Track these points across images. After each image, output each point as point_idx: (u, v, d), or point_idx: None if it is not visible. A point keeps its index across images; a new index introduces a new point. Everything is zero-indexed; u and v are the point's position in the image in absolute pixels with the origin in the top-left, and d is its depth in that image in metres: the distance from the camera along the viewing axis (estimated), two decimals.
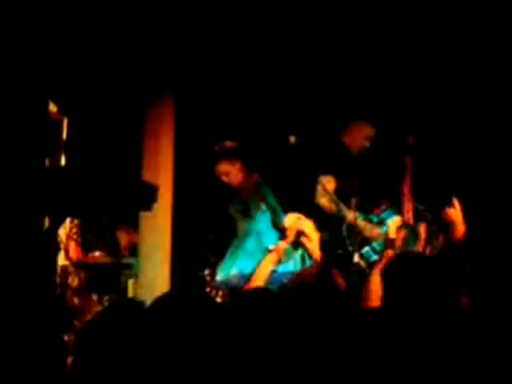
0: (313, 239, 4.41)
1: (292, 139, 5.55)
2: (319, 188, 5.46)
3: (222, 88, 5.87)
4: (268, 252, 4.44)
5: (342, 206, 5.40)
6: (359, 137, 5.69)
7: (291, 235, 4.43)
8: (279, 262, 4.47)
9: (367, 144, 5.69)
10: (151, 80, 5.63)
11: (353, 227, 5.35)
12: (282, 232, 4.54)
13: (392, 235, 4.43)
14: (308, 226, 4.52)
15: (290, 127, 5.74)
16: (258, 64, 5.89)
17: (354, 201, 5.37)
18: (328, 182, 5.51)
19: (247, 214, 5.42)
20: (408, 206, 5.26)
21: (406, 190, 5.24)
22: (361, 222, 5.41)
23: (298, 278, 3.35)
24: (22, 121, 4.34)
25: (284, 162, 5.69)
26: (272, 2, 5.44)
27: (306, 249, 4.53)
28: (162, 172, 5.55)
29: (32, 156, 4.14)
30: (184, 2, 5.38)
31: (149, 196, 4.56)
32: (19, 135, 4.23)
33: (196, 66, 5.75)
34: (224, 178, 5.46)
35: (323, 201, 5.46)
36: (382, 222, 5.46)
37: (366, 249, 5.35)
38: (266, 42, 5.74)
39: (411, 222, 5.18)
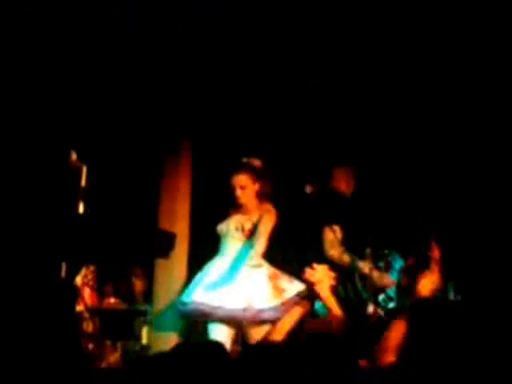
0: (324, 288, 4.33)
1: (309, 188, 5.58)
2: (326, 239, 5.43)
3: (238, 136, 5.93)
4: (294, 305, 4.35)
5: (354, 257, 5.37)
6: (346, 180, 5.72)
7: (321, 291, 4.18)
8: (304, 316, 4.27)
9: (352, 187, 5.73)
10: (169, 130, 5.71)
11: (365, 277, 5.32)
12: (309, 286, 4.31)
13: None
14: (317, 276, 4.44)
15: (306, 175, 5.79)
16: (273, 107, 5.97)
17: (368, 250, 5.35)
18: (334, 232, 5.47)
19: (250, 237, 5.14)
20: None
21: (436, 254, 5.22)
22: (373, 272, 5.38)
23: (315, 328, 3.32)
24: (42, 167, 4.40)
25: (297, 208, 5.71)
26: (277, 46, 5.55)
27: (318, 297, 4.43)
28: (178, 219, 5.59)
29: (52, 203, 4.19)
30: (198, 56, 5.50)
31: (165, 243, 4.60)
32: (39, 182, 4.29)
33: (211, 116, 5.83)
34: (238, 191, 5.19)
35: (333, 252, 5.39)
36: (387, 267, 5.45)
37: (382, 296, 5.32)
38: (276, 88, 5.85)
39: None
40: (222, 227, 5.26)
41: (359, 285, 5.32)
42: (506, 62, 5.44)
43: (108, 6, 5.05)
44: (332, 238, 5.41)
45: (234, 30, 5.36)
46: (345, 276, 5.25)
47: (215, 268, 5.13)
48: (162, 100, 5.62)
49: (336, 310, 4.18)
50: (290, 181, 5.85)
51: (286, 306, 4.70)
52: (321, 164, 5.85)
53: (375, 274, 5.36)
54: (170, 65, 5.56)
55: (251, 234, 5.11)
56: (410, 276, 4.51)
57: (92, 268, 5.89)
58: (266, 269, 5.03)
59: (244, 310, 4.84)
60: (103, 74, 5.34)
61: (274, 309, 4.77)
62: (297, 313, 4.15)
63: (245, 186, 5.17)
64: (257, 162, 5.22)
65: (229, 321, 4.90)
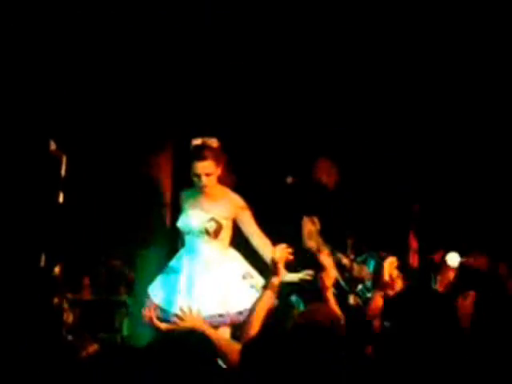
0: (331, 277, 4.28)
1: (289, 179, 5.55)
2: (305, 230, 5.40)
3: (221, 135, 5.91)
4: (261, 290, 4.09)
5: (333, 249, 5.36)
6: (327, 172, 5.71)
7: (282, 268, 4.02)
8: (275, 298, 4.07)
9: (334, 179, 5.73)
10: (151, 123, 5.70)
11: (344, 268, 5.32)
12: (272, 266, 4.04)
13: (386, 276, 4.35)
14: (328, 261, 4.35)
15: (287, 168, 5.78)
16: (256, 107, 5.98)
17: (349, 242, 5.36)
18: (312, 224, 5.43)
19: (217, 236, 4.89)
20: (414, 257, 5.29)
21: (414, 244, 5.24)
22: (353, 264, 5.39)
23: (310, 317, 3.28)
24: (22, 157, 4.37)
25: (279, 200, 5.70)
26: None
27: (321, 285, 4.35)
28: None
29: (31, 192, 4.17)
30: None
31: (146, 235, 4.58)
32: (19, 171, 4.26)
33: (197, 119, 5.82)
34: (204, 179, 4.80)
35: (312, 243, 5.38)
36: (364, 262, 5.47)
37: (360, 287, 5.35)
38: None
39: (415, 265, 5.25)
40: (184, 225, 4.98)
41: (339, 276, 5.32)
42: (497, 61, 5.48)
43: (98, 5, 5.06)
44: (311, 228, 5.40)
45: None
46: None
47: (187, 267, 4.94)
48: (145, 94, 5.60)
49: (333, 302, 4.18)
50: (271, 171, 5.84)
51: None
52: (302, 155, 5.84)
53: (355, 267, 5.38)
54: (156, 64, 5.56)
55: (218, 234, 4.91)
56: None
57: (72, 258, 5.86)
58: (239, 267, 4.97)
59: (220, 315, 4.79)
60: (87, 67, 5.32)
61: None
62: (269, 296, 3.95)
63: (210, 173, 4.83)
64: (215, 143, 4.86)
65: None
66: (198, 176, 4.85)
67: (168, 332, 3.68)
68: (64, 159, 5.02)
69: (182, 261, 4.95)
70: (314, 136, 5.99)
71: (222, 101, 5.84)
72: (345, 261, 5.34)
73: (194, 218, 4.94)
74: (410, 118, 6.10)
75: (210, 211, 4.91)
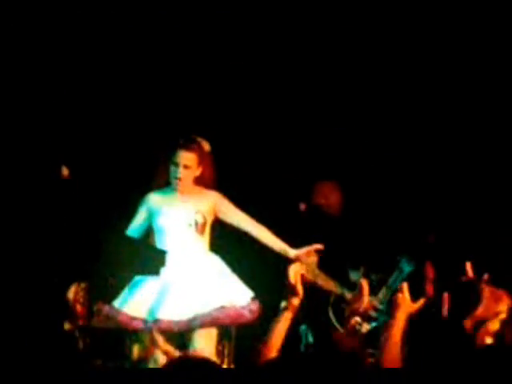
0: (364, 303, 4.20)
1: (302, 206, 5.50)
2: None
3: (233, 152, 5.92)
4: (281, 311, 3.84)
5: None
6: (332, 196, 5.63)
7: (301, 290, 3.81)
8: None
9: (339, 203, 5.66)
10: (160, 145, 5.71)
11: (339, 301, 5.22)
12: (290, 287, 3.85)
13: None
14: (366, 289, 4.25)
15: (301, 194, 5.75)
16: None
17: (362, 270, 5.30)
18: (308, 256, 5.23)
19: (203, 232, 4.73)
20: (430, 287, 5.23)
21: (430, 274, 5.19)
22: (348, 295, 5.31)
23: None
24: (33, 183, 4.38)
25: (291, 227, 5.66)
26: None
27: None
28: None
29: (44, 217, 4.17)
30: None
31: (157, 260, 4.57)
32: (30, 197, 4.27)
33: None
34: (181, 170, 4.58)
35: (308, 276, 5.29)
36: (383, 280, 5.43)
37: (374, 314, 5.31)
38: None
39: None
40: (169, 220, 4.73)
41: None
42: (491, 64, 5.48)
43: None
44: (307, 260, 5.27)
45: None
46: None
47: (172, 268, 4.68)
48: (151, 108, 5.62)
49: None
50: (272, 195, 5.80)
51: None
52: (303, 178, 5.79)
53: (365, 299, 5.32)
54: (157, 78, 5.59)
55: (204, 229, 4.70)
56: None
57: (83, 285, 5.84)
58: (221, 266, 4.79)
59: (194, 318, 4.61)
60: (99, 94, 5.37)
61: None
62: (289, 317, 3.78)
63: (189, 167, 4.58)
64: (206, 146, 4.66)
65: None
66: (176, 165, 4.60)
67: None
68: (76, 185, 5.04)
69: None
70: (322, 158, 6.00)
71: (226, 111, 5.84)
72: (349, 296, 5.27)
73: (179, 211, 4.70)
74: (426, 145, 6.10)
75: (193, 204, 4.67)
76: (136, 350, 5.81)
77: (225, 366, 4.86)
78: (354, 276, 5.40)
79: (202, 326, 4.59)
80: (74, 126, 5.40)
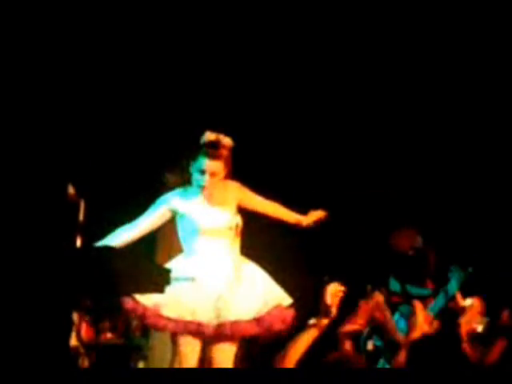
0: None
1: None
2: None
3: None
4: (308, 327, 3.76)
5: None
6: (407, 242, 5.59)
7: (335, 311, 3.76)
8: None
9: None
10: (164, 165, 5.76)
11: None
12: (324, 307, 3.77)
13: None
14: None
15: None
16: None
17: (368, 288, 5.29)
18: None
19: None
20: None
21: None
22: None
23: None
24: (41, 201, 4.43)
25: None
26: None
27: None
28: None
29: (50, 237, 4.22)
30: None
31: (161, 278, 4.59)
32: (38, 215, 4.32)
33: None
34: (207, 179, 4.36)
35: (334, 310, 5.24)
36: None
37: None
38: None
39: None
40: (209, 223, 4.44)
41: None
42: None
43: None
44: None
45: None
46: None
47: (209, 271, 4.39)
48: (156, 130, 5.67)
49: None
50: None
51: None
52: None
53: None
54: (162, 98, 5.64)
55: (241, 232, 4.41)
56: None
57: (89, 303, 5.90)
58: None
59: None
60: (106, 111, 5.42)
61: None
62: (315, 335, 3.72)
63: (216, 174, 4.39)
64: (229, 143, 4.43)
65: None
66: (202, 172, 4.41)
67: None
68: (82, 204, 5.08)
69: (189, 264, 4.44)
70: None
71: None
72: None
73: (216, 215, 4.46)
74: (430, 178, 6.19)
75: (225, 206, 4.44)
76: (141, 367, 5.87)
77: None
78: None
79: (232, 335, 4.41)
80: (80, 141, 5.44)
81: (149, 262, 5.14)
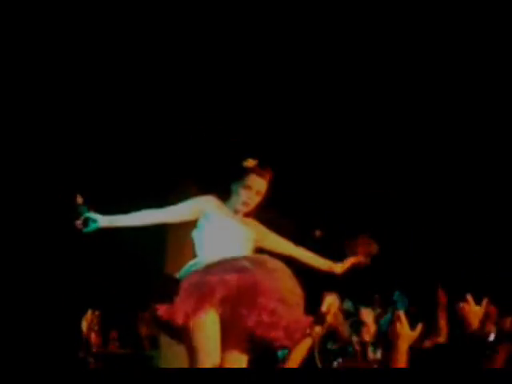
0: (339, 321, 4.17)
1: (317, 233, 5.44)
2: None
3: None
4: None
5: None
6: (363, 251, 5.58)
7: (331, 320, 3.90)
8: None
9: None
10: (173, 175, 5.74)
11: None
12: (319, 316, 3.86)
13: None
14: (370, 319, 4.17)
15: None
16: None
17: (376, 298, 5.30)
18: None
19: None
20: (443, 313, 5.21)
21: (443, 300, 5.16)
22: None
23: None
24: (48, 214, 4.40)
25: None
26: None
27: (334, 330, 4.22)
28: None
29: (60, 246, 4.19)
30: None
31: (171, 288, 4.55)
32: (45, 229, 4.29)
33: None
34: (253, 196, 4.38)
35: (329, 318, 5.27)
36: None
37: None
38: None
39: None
40: (227, 230, 4.46)
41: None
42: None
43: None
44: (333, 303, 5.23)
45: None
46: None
47: None
48: (163, 148, 5.65)
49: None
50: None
51: None
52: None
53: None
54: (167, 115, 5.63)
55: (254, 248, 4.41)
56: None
57: (97, 313, 5.86)
58: None
59: None
60: (115, 123, 5.40)
61: None
62: (310, 344, 3.80)
63: (261, 194, 4.46)
64: (271, 174, 4.54)
65: None
66: (249, 188, 4.48)
67: None
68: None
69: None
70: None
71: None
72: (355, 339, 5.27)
73: (240, 225, 4.51)
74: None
75: (247, 226, 4.49)
76: None
77: None
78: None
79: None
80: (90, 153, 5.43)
81: (160, 273, 5.11)
